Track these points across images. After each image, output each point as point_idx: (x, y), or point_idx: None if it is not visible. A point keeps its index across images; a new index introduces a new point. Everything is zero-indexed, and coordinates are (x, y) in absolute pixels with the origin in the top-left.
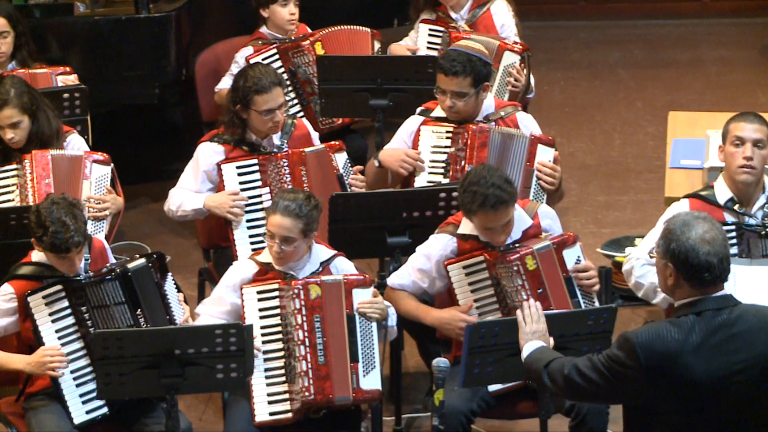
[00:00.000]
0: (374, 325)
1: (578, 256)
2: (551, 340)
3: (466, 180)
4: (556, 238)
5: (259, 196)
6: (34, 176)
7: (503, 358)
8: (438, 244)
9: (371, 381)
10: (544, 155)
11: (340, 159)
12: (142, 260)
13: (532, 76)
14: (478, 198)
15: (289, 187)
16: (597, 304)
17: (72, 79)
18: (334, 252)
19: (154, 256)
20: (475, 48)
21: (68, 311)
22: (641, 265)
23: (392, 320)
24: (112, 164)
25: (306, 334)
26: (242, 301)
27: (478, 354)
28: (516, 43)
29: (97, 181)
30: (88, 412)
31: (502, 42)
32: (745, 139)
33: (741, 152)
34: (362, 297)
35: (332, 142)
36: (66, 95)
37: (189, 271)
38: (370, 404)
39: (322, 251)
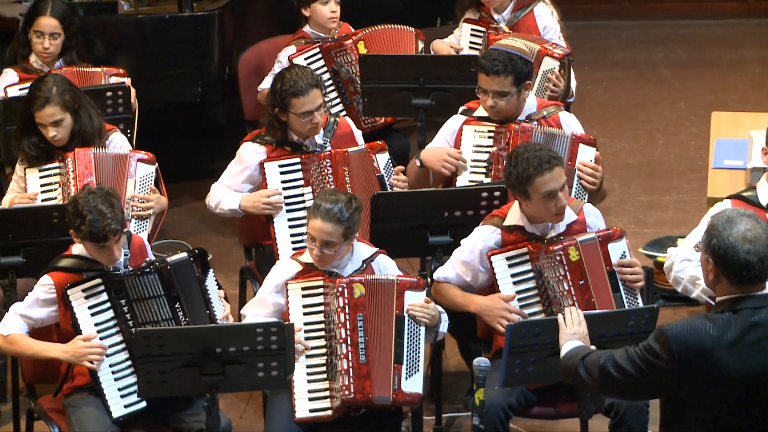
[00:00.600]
0: (422, 329)
1: (624, 251)
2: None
3: (511, 158)
4: (602, 231)
5: (302, 195)
6: (76, 174)
7: (544, 357)
8: (482, 236)
9: (413, 384)
10: (586, 155)
11: (381, 159)
12: (183, 254)
13: (574, 80)
14: (532, 161)
15: (332, 186)
16: (640, 300)
17: (126, 82)
18: (376, 249)
19: (196, 251)
20: (515, 47)
21: (107, 305)
22: (680, 261)
23: (443, 327)
24: (157, 164)
25: (348, 332)
26: (287, 296)
27: (518, 354)
28: (556, 47)
29: (141, 180)
30: (126, 406)
31: (543, 46)
32: None
33: None
34: (414, 299)
35: (374, 143)
36: (109, 93)
37: (230, 270)
38: (411, 406)
39: (363, 249)
